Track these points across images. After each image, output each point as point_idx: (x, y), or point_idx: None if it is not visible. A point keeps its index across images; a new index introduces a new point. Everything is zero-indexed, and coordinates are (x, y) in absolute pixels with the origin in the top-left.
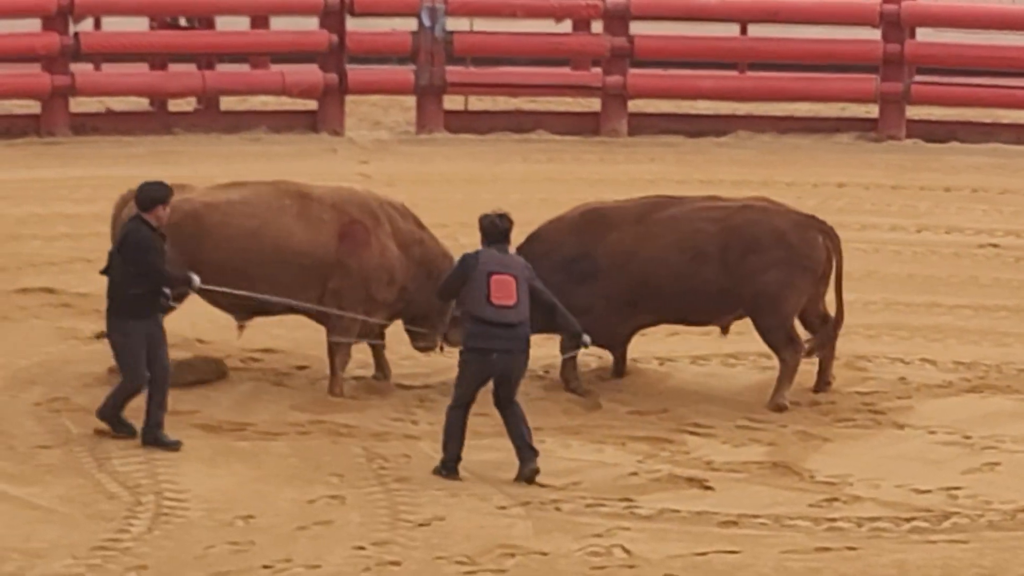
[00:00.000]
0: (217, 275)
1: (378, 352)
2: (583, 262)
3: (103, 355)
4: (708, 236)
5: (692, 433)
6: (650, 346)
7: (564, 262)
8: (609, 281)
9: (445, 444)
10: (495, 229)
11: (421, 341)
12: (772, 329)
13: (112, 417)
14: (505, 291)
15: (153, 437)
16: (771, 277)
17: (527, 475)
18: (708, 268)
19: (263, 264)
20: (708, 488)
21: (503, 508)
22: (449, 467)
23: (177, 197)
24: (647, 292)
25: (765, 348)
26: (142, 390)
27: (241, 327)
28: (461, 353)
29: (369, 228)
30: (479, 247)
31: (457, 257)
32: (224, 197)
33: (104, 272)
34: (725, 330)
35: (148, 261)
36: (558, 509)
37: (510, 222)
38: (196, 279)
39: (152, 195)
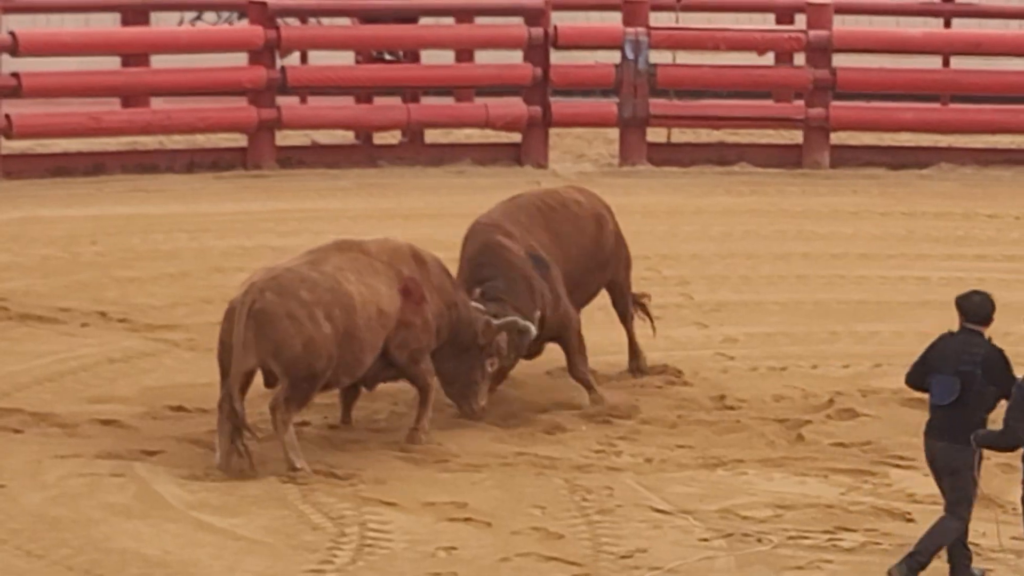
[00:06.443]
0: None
1: None
2: None
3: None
4: None
5: (895, 466)
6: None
7: None
8: None
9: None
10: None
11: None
12: None
13: (925, 560)
14: None
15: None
16: None
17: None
18: None
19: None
20: (911, 520)
21: (705, 540)
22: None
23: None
24: None
25: None
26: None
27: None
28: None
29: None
30: None
31: None
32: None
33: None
34: None
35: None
36: (759, 541)
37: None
38: None
39: (992, 309)
